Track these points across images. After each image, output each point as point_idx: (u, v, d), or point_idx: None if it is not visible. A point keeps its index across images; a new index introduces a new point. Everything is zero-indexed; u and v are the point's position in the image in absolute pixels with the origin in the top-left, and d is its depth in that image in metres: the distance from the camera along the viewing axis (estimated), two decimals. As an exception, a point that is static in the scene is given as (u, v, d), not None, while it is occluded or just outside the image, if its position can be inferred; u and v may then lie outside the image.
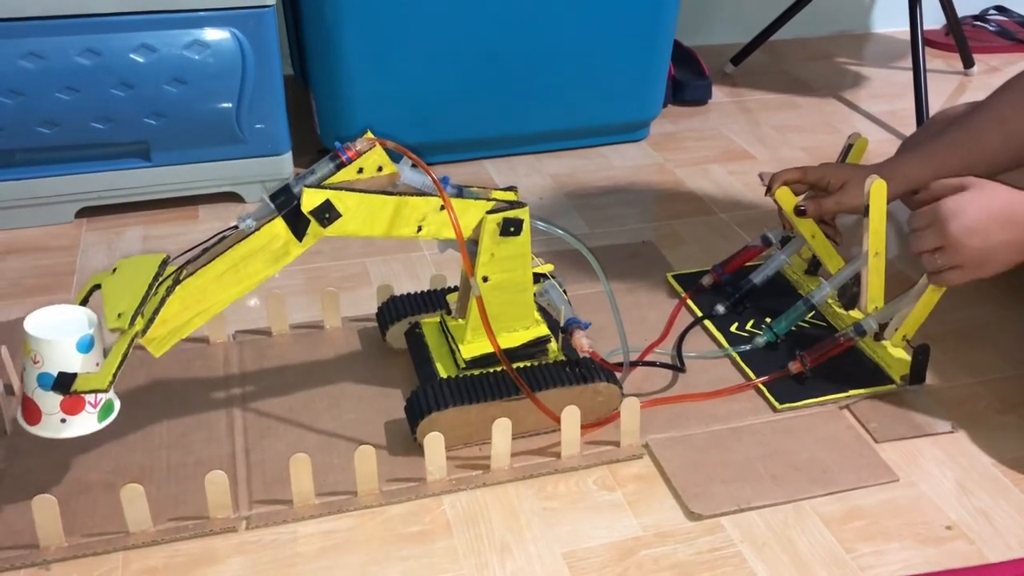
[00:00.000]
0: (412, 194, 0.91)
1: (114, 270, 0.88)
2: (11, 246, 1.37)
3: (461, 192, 0.94)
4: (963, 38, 2.09)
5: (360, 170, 0.90)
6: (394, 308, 1.11)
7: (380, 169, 0.91)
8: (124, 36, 1.31)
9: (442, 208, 0.91)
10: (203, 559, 0.85)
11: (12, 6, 1.26)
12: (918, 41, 1.82)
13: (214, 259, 0.87)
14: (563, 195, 1.54)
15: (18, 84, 1.29)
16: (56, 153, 1.36)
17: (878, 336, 1.09)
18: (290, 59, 1.78)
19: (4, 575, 0.83)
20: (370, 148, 0.89)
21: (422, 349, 1.05)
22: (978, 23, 2.33)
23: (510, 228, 0.94)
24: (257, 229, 0.87)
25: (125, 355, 0.82)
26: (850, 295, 1.14)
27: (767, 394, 1.05)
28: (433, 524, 0.89)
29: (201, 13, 1.34)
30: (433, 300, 1.11)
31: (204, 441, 0.98)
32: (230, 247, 0.87)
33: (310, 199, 0.86)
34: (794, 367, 1.06)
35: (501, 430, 0.93)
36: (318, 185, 0.88)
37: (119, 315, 0.83)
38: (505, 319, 0.98)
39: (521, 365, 0.98)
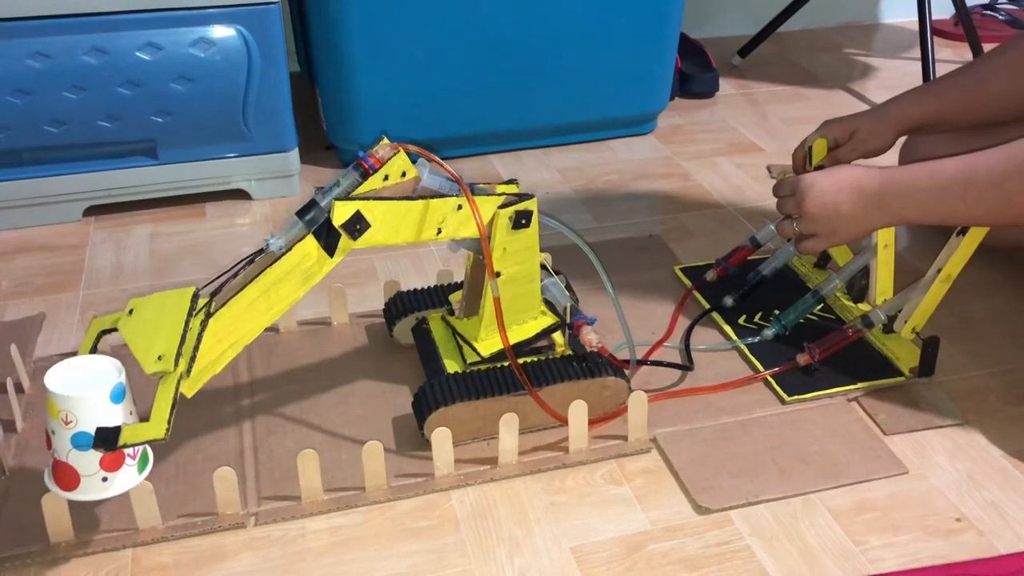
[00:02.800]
0: (430, 197, 0.90)
1: (130, 311, 0.83)
2: (19, 245, 1.37)
3: (472, 190, 0.94)
4: (972, 28, 2.08)
5: (386, 177, 0.88)
6: (401, 304, 1.11)
7: (404, 174, 0.90)
8: (130, 34, 1.32)
9: (459, 208, 0.91)
10: (212, 555, 0.85)
11: (18, 6, 1.26)
12: (927, 31, 1.81)
13: (244, 287, 0.83)
14: (570, 189, 1.54)
15: (25, 84, 1.29)
16: (63, 152, 1.37)
17: (887, 328, 1.09)
18: (296, 56, 1.78)
19: (15, 572, 0.83)
20: (394, 154, 0.88)
21: (429, 344, 1.05)
22: (988, 12, 2.31)
23: (521, 220, 0.94)
24: (288, 249, 0.84)
25: (175, 399, 0.77)
26: (859, 287, 1.14)
27: (776, 386, 1.05)
28: (441, 519, 0.89)
29: (207, 11, 1.34)
30: (440, 296, 1.11)
31: (212, 438, 0.98)
32: (260, 271, 0.84)
33: (341, 212, 0.84)
34: (803, 359, 1.06)
35: (508, 425, 0.92)
36: (346, 197, 0.86)
37: (159, 357, 0.77)
38: (515, 312, 0.98)
39: (529, 360, 0.98)
